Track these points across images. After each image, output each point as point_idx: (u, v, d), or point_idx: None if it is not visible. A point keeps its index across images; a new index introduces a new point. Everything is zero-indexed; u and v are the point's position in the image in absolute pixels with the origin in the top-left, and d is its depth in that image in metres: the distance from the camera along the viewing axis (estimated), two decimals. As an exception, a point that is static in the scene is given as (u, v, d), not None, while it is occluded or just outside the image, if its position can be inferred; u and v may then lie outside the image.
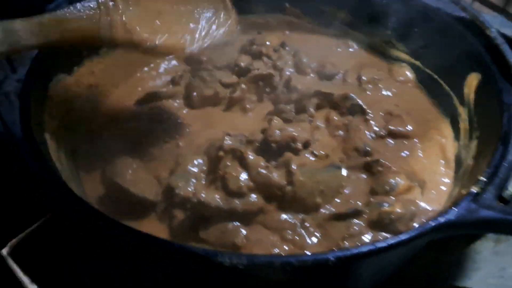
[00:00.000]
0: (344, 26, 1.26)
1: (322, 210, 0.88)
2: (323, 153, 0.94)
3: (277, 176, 0.87)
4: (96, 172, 0.95)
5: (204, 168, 0.91)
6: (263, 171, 0.87)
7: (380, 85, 1.14)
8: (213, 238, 0.84)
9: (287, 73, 1.11)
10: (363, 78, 1.14)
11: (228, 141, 0.90)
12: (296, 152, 0.91)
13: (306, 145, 0.93)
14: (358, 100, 1.03)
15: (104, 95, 1.13)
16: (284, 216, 0.87)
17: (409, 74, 1.19)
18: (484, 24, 1.01)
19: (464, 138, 1.02)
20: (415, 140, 1.02)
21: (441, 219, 0.73)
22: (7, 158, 0.99)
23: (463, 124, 1.03)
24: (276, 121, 0.93)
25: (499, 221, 0.74)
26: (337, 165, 0.93)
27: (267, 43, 1.20)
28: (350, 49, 1.27)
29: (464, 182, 0.89)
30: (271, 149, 0.91)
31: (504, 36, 1.04)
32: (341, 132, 1.01)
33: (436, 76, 1.13)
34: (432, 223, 0.73)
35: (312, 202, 0.87)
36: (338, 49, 1.27)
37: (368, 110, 1.02)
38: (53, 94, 0.97)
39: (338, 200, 0.89)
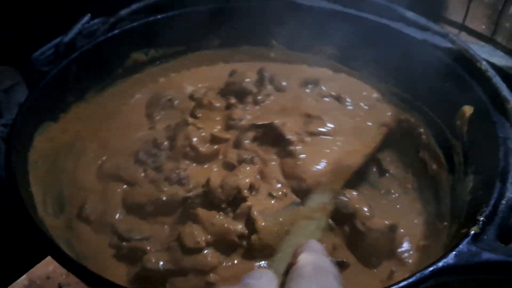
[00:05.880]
0: (331, 61, 1.25)
1: None
2: (280, 193, 0.90)
3: (236, 226, 0.84)
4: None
5: None
6: (217, 221, 0.84)
7: None
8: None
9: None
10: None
11: None
12: (244, 200, 0.87)
13: (252, 189, 0.89)
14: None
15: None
16: (256, 264, 0.83)
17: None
18: (475, 56, 1.00)
19: (459, 172, 0.99)
20: None
21: (440, 264, 0.70)
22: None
23: (457, 157, 1.01)
24: (213, 178, 0.88)
25: (502, 264, 0.70)
26: (297, 202, 0.91)
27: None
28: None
29: (461, 221, 0.86)
30: (222, 207, 0.88)
31: (493, 65, 1.03)
32: None
33: (426, 109, 1.11)
34: (430, 268, 0.69)
35: (281, 246, 0.83)
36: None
37: None
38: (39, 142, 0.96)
39: None
